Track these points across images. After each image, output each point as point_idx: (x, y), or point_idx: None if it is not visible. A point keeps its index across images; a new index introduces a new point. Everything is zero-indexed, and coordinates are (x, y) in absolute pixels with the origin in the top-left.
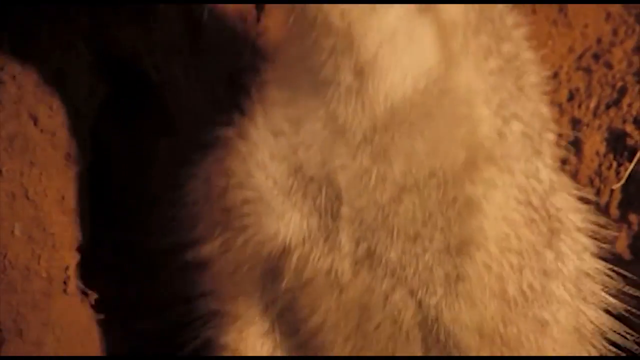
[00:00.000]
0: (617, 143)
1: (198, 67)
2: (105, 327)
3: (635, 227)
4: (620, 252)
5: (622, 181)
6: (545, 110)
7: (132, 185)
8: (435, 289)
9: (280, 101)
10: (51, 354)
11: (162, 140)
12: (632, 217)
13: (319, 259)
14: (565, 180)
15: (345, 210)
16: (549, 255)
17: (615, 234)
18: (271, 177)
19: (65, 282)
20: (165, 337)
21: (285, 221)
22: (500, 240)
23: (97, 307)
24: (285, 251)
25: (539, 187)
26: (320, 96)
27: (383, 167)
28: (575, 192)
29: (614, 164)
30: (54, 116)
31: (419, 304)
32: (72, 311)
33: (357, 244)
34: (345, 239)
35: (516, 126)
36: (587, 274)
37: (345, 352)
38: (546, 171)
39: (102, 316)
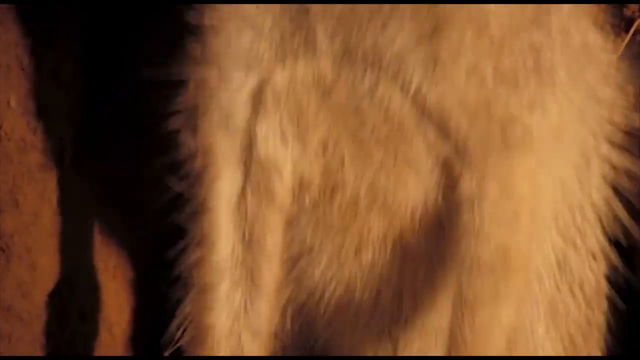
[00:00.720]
0: (614, 13)
1: None
2: (104, 199)
3: (631, 99)
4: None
5: (619, 52)
6: None
7: (126, 63)
8: (413, 74)
9: None
10: (48, 226)
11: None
12: (628, 88)
13: (303, 68)
14: None
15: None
16: (537, 32)
17: None
18: None
19: (61, 155)
20: (165, 210)
21: (259, 26)
22: (472, 20)
23: (95, 181)
24: (266, 78)
25: None
26: None
27: None
28: None
29: (611, 35)
30: None
31: (403, 91)
32: (69, 183)
33: (333, 38)
34: (321, 35)
35: None
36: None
37: (356, 173)
38: None
39: (99, 188)
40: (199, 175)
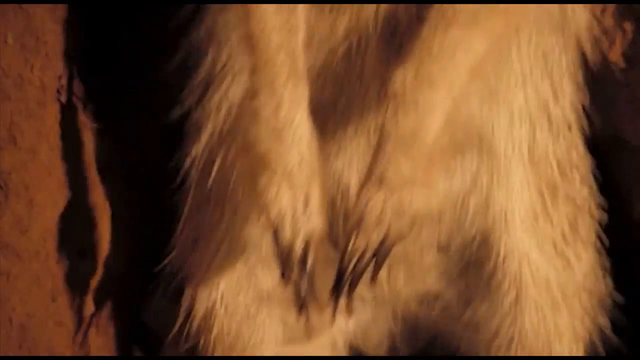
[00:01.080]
0: None
1: None
2: (102, 135)
3: (629, 35)
4: (614, 61)
5: None
6: None
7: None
8: None
9: None
10: (45, 163)
11: None
12: (627, 25)
13: None
14: None
15: None
16: None
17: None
18: None
19: (59, 91)
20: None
21: None
22: None
23: (93, 118)
24: None
25: None
26: None
27: None
28: None
29: None
30: None
31: None
32: (66, 120)
33: None
34: None
35: None
36: None
37: None
38: None
39: (96, 124)
40: None
